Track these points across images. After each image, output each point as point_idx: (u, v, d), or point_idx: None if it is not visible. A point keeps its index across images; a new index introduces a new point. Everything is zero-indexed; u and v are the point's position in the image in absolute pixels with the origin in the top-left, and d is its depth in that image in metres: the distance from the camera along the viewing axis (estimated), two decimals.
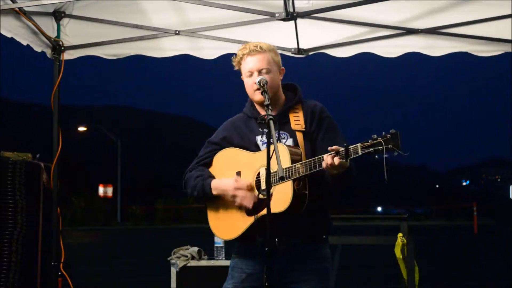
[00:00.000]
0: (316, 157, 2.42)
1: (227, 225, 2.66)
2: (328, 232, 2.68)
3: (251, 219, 2.54)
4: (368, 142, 2.30)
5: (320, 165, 2.40)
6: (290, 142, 2.60)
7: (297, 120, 2.64)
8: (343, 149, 2.34)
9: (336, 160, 2.34)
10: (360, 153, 2.32)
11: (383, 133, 2.29)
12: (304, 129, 2.62)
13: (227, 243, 3.72)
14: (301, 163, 2.45)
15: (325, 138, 2.62)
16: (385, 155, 2.27)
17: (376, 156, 2.31)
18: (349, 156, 2.34)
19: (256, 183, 2.56)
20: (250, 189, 2.55)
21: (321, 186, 2.57)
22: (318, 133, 2.64)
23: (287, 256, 2.53)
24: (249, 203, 2.53)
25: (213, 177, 2.67)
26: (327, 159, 2.36)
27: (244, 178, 2.60)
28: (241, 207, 2.57)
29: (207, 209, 2.74)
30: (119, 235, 22.66)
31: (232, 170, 2.65)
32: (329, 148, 2.37)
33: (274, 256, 2.39)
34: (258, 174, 2.56)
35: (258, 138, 2.66)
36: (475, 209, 26.18)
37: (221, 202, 2.65)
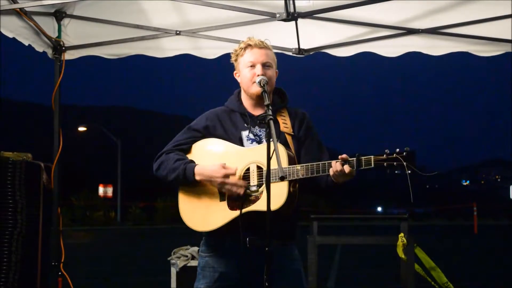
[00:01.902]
0: (321, 162, 2.42)
1: (203, 215, 2.56)
2: (297, 234, 2.68)
3: (233, 214, 2.49)
4: (383, 156, 2.31)
5: (325, 170, 2.40)
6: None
7: (284, 123, 2.64)
8: (353, 159, 2.35)
9: (347, 168, 2.35)
10: (372, 165, 2.33)
11: (397, 150, 2.30)
12: (292, 133, 2.63)
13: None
14: (301, 166, 2.44)
15: (312, 145, 2.65)
16: (407, 172, 2.27)
17: (388, 171, 2.31)
18: (360, 167, 2.35)
19: (243, 178, 2.52)
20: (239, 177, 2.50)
21: (306, 189, 2.59)
22: (305, 140, 2.66)
23: (260, 257, 2.42)
24: (240, 190, 2.47)
25: (195, 163, 2.58)
26: (336, 166, 2.36)
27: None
28: (223, 196, 2.51)
29: (179, 194, 2.63)
30: (119, 235, 22.66)
31: (214, 161, 2.57)
32: (340, 156, 2.38)
33: (249, 256, 2.42)
34: (247, 169, 2.52)
35: (244, 133, 2.61)
36: (475, 209, 26.17)
37: (200, 189, 2.57)
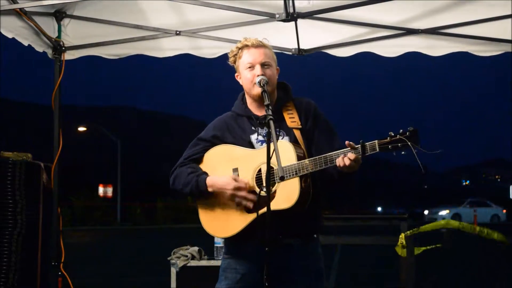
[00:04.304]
0: (328, 154, 2.41)
1: (222, 223, 2.60)
2: (320, 231, 2.67)
3: (251, 217, 2.51)
4: (386, 139, 2.32)
5: (332, 161, 2.39)
6: (286, 139, 2.58)
7: (292, 118, 2.63)
8: (358, 146, 2.35)
9: (352, 156, 2.35)
10: (377, 150, 2.34)
11: (401, 130, 2.31)
12: (300, 127, 2.61)
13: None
14: (309, 160, 2.44)
15: (322, 136, 2.62)
16: (414, 151, 2.28)
17: (394, 153, 2.32)
18: (365, 153, 2.35)
19: (256, 180, 2.54)
20: (249, 188, 2.52)
21: (323, 184, 2.58)
22: (314, 130, 2.64)
23: (283, 256, 2.51)
24: (250, 203, 2.50)
25: (207, 174, 2.62)
26: (339, 161, 2.36)
27: (243, 175, 2.56)
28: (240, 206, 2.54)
29: (198, 205, 2.67)
30: (119, 235, 22.66)
31: (228, 166, 2.61)
32: (346, 143, 2.37)
33: (271, 256, 2.38)
34: (259, 170, 2.53)
35: (253, 137, 2.62)
36: (475, 209, 26.15)
37: (216, 199, 2.60)
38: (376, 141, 2.35)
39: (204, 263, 4.12)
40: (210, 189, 2.57)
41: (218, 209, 2.61)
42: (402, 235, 4.30)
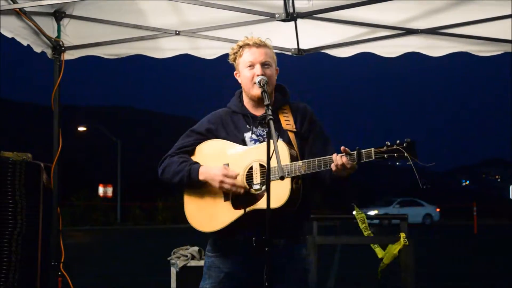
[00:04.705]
0: (322, 158, 2.42)
1: (208, 217, 2.57)
2: (306, 234, 2.68)
3: (237, 213, 2.49)
4: (383, 148, 2.33)
5: (327, 165, 2.40)
6: (280, 140, 2.56)
7: (287, 121, 2.64)
8: (354, 152, 2.36)
9: (348, 162, 2.36)
10: (373, 157, 2.35)
11: (398, 141, 2.33)
12: (295, 130, 2.62)
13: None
14: (303, 162, 2.45)
15: (316, 142, 2.64)
16: (409, 162, 2.30)
17: (389, 163, 2.35)
18: (361, 160, 2.37)
19: (247, 177, 2.53)
20: (238, 179, 2.50)
21: (313, 186, 2.59)
22: (308, 135, 2.65)
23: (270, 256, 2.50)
24: (240, 189, 2.48)
25: (200, 164, 2.60)
26: (338, 160, 2.37)
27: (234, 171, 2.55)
28: (227, 196, 2.52)
29: (184, 196, 2.65)
30: (119, 235, 22.66)
31: (218, 162, 2.59)
32: (342, 148, 2.39)
33: (255, 255, 2.41)
34: (250, 168, 2.53)
35: (246, 135, 2.62)
36: (475, 209, 26.13)
37: (204, 191, 2.59)
38: (372, 149, 2.36)
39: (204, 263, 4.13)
40: (201, 177, 2.54)
41: (205, 202, 2.59)
42: (403, 235, 4.31)
